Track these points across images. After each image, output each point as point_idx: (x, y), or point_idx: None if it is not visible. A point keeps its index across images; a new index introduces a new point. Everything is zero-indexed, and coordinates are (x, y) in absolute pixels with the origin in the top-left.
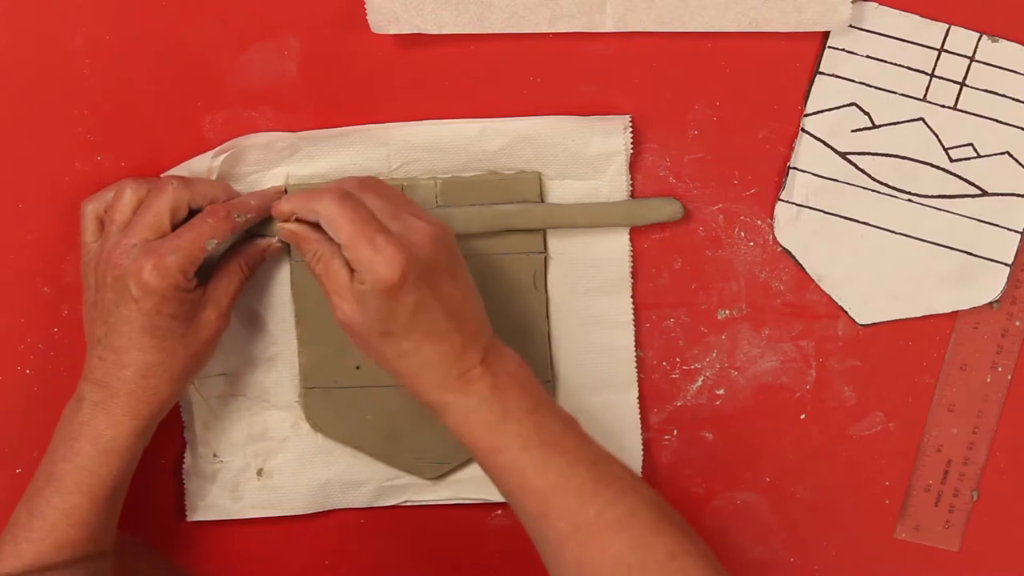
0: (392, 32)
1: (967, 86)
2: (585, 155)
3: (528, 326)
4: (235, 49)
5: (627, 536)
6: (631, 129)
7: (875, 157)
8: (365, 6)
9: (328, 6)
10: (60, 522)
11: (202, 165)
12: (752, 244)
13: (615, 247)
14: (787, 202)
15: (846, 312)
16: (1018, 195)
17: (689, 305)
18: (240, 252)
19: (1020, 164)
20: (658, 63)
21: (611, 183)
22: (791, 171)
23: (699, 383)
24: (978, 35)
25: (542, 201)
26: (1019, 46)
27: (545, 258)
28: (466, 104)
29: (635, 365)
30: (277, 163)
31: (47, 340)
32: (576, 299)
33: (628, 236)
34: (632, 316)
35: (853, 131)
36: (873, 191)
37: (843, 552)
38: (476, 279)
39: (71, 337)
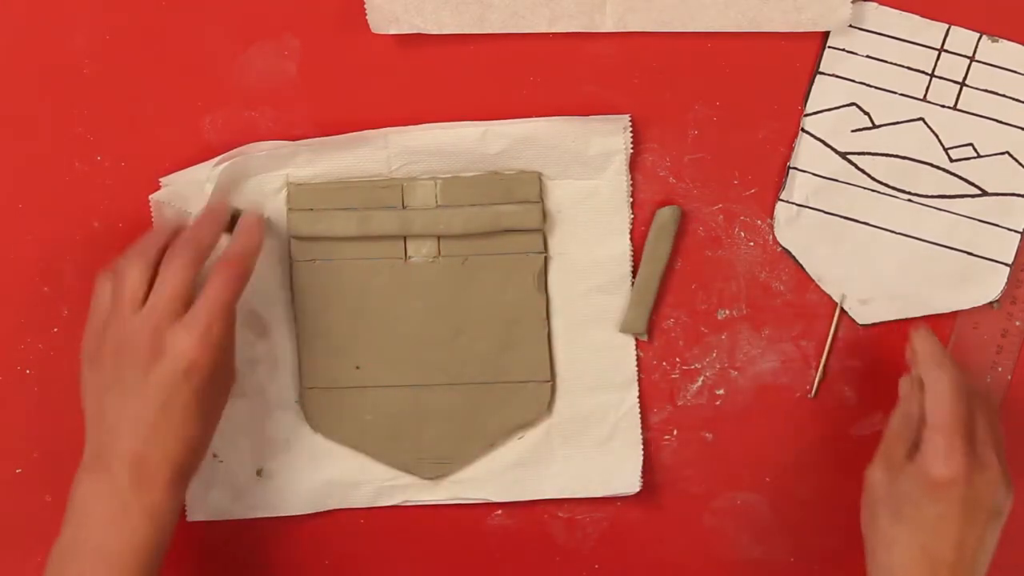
0: (392, 32)
1: (967, 86)
2: (585, 155)
3: (528, 326)
4: (235, 49)
5: None
6: (631, 129)
7: (875, 157)
8: (365, 6)
9: (328, 6)
10: None
11: (202, 174)
12: (752, 244)
13: (615, 247)
14: (787, 202)
15: (846, 312)
16: (1018, 195)
17: (689, 305)
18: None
19: (1020, 164)
20: (658, 63)
21: (611, 183)
22: (791, 171)
23: (699, 383)
24: (978, 35)
25: (542, 201)
26: (1019, 46)
27: (545, 258)
28: (466, 104)
29: (635, 365)
30: (278, 167)
31: (47, 340)
32: (576, 299)
33: (628, 236)
34: None
35: (853, 131)
36: (873, 191)
37: (843, 552)
38: (477, 279)
39: (71, 337)
